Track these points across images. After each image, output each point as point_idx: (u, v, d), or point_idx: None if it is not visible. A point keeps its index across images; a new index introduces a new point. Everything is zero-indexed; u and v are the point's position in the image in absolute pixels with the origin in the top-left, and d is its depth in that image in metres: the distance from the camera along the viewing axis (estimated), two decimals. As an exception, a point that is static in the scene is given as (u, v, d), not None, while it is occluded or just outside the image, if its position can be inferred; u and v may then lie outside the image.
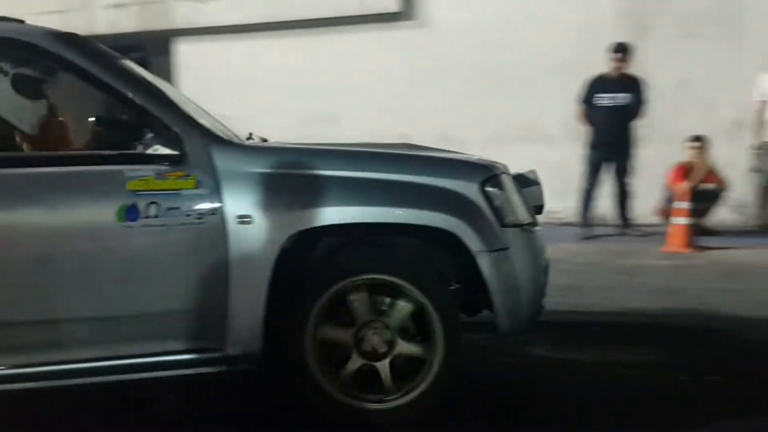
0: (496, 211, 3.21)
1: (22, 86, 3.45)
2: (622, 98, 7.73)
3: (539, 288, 3.37)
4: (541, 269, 3.38)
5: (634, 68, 7.90)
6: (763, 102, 7.65)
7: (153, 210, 3.00)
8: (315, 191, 3.12)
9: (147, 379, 3.11)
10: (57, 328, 3.01)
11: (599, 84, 7.79)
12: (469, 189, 3.21)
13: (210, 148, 3.11)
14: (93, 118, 3.10)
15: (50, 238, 2.99)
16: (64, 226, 3.00)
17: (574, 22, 8.97)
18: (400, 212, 3.16)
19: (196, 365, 3.14)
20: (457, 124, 9.25)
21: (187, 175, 3.06)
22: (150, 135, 3.08)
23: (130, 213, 2.99)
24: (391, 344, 3.17)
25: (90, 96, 3.31)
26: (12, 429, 3.30)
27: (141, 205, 2.99)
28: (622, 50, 7.78)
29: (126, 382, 3.11)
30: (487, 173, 3.30)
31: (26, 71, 3.49)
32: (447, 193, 3.20)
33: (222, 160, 3.10)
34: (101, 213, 2.99)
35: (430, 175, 3.25)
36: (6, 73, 3.40)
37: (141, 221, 2.99)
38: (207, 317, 3.09)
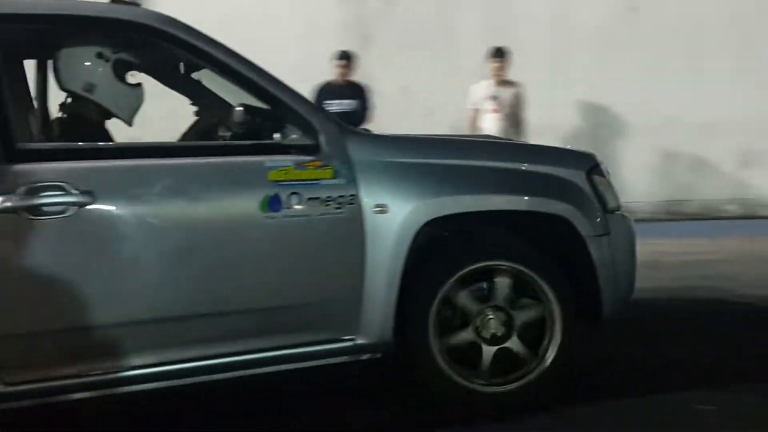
0: (600, 197, 3.39)
1: (123, 72, 3.23)
2: (348, 104, 7.88)
3: (633, 271, 3.51)
4: (635, 253, 3.51)
5: (359, 75, 8.07)
6: (476, 110, 8.13)
7: (294, 200, 2.97)
8: (446, 180, 3.20)
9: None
10: (198, 324, 2.92)
11: (326, 91, 7.90)
12: (578, 177, 3.38)
13: (344, 138, 3.11)
14: (239, 107, 2.96)
15: (194, 231, 2.89)
16: (207, 218, 2.91)
17: (302, 29, 8.99)
18: (527, 200, 3.30)
19: (328, 356, 3.15)
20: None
21: (325, 165, 3.04)
22: (285, 125, 3.04)
23: (273, 204, 2.94)
24: (509, 329, 3.24)
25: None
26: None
27: (283, 195, 2.95)
28: (345, 57, 7.97)
29: (258, 376, 3.07)
30: (592, 162, 3.52)
31: (128, 57, 3.24)
32: (561, 181, 3.35)
33: (355, 150, 3.10)
34: (245, 204, 2.93)
35: (544, 164, 3.41)
36: (108, 59, 3.16)
37: (283, 212, 2.95)
38: (343, 307, 3.10)
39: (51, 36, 3.15)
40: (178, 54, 3.23)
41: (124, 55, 3.19)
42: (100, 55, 3.14)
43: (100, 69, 3.14)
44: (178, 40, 3.00)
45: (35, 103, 3.63)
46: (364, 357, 3.21)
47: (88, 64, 3.14)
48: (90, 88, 3.15)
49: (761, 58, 9.42)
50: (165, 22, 2.99)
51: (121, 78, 3.19)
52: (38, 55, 3.52)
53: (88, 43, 3.14)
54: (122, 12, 3.05)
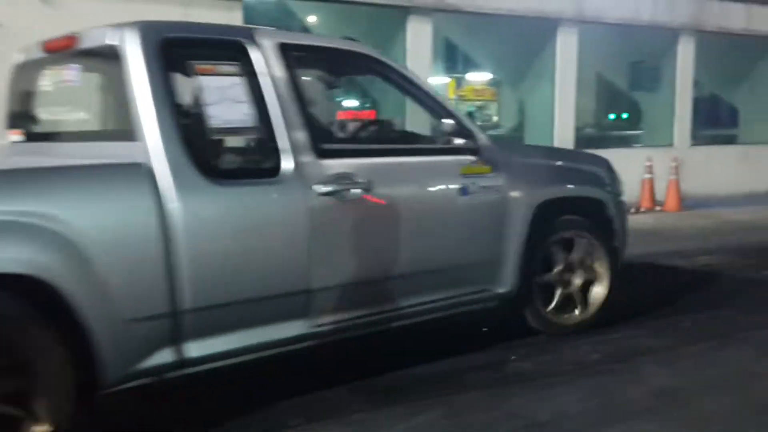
0: (614, 186, 5.14)
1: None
2: None
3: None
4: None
5: None
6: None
7: (473, 187, 4.33)
8: (553, 176, 4.89)
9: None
10: (390, 283, 4.08)
11: None
12: (605, 173, 5.14)
13: (492, 144, 4.51)
14: (448, 120, 4.31)
15: (413, 208, 4.12)
16: (425, 198, 4.24)
17: None
18: (590, 189, 5.01)
19: (478, 302, 4.54)
20: None
21: (485, 163, 4.41)
22: (455, 134, 4.32)
23: (464, 191, 4.31)
24: (589, 277, 4.90)
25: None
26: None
27: (468, 184, 4.31)
28: None
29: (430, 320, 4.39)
30: (607, 162, 5.26)
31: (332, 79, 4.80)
32: (597, 176, 5.10)
33: (499, 153, 4.52)
34: (450, 190, 4.30)
35: (588, 164, 5.22)
36: (332, 85, 4.65)
37: (469, 196, 4.32)
38: (491, 265, 4.47)
39: (322, 61, 4.47)
40: (386, 77, 4.41)
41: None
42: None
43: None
44: (385, 67, 4.36)
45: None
46: (499, 303, 4.61)
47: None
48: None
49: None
50: (380, 54, 4.41)
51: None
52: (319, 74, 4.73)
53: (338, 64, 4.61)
54: (356, 46, 4.47)
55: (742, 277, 6.64)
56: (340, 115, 10.99)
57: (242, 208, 3.52)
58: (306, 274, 3.70)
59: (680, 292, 6.09)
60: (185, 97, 3.51)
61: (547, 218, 4.65)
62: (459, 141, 4.35)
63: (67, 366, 2.97)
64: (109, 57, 3.52)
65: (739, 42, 13.58)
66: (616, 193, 5.14)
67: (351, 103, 13.22)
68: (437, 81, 12.80)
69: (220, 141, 3.69)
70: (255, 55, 3.72)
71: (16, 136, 4.30)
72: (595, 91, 15.02)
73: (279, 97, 3.71)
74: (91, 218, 3.09)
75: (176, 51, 3.52)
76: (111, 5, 8.61)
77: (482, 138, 4.46)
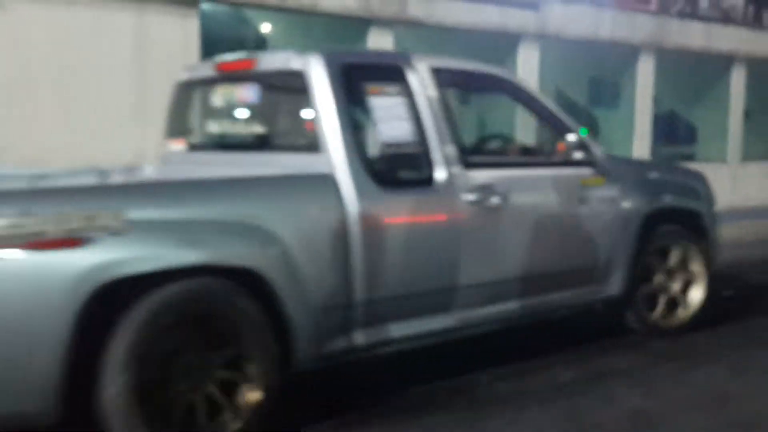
0: (709, 198, 5.57)
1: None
2: None
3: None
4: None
5: None
6: None
7: (591, 197, 4.73)
8: (659, 189, 5.26)
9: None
10: (522, 282, 4.46)
11: None
12: (701, 186, 5.57)
13: (604, 157, 4.88)
14: (573, 136, 4.73)
15: (540, 216, 4.51)
16: (550, 207, 4.61)
17: None
18: (689, 201, 5.43)
19: (591, 302, 4.95)
20: None
21: (601, 175, 4.80)
22: (575, 148, 4.72)
23: (582, 200, 4.71)
24: (688, 282, 5.30)
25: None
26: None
27: (586, 194, 4.70)
28: None
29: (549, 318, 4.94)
30: (703, 176, 5.69)
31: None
32: (696, 191, 5.53)
33: (611, 166, 4.89)
34: (569, 201, 4.66)
35: (689, 179, 5.65)
36: (465, 102, 5.28)
37: (587, 206, 4.71)
38: (603, 269, 4.83)
39: (465, 82, 5.06)
40: (516, 96, 4.93)
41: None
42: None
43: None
44: (517, 88, 4.90)
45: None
46: (607, 302, 4.97)
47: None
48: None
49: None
50: (513, 76, 5.24)
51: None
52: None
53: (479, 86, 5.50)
54: (494, 69, 4.83)
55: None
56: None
57: (404, 213, 3.98)
58: (455, 272, 4.15)
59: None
60: (360, 115, 4.00)
61: (653, 227, 5.06)
62: (578, 154, 4.73)
63: (272, 343, 3.48)
64: (292, 79, 4.00)
65: (698, 60, 13.72)
66: (710, 205, 5.56)
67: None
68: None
69: (387, 153, 4.06)
70: (412, 78, 4.19)
71: (178, 145, 4.85)
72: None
73: (433, 115, 4.17)
74: (291, 220, 3.61)
75: (352, 75, 3.99)
76: (63, 11, 8.35)
77: (598, 152, 4.84)
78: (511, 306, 4.46)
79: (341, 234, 3.71)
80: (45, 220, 2.99)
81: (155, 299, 3.20)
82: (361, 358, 3.96)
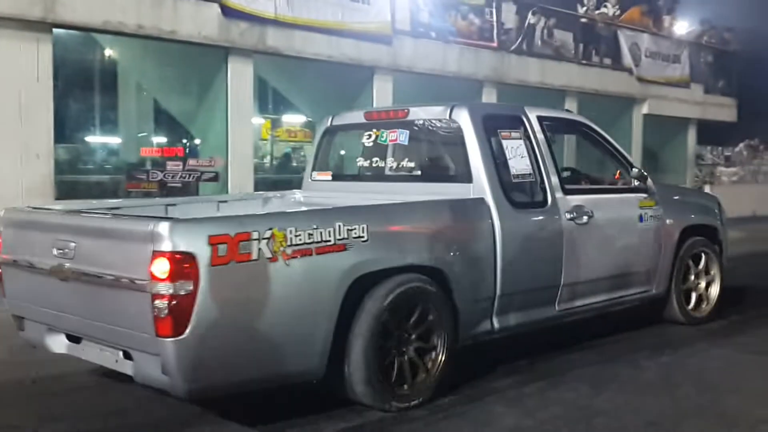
0: (721, 216, 7.00)
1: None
2: None
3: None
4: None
5: None
6: None
7: (645, 216, 6.10)
8: (689, 209, 6.80)
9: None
10: (600, 282, 5.76)
11: None
12: (716, 206, 7.07)
13: (654, 184, 6.27)
14: (636, 169, 6.14)
15: (614, 230, 5.86)
16: (620, 223, 5.96)
17: None
18: (710, 219, 6.87)
19: (642, 300, 6.28)
20: None
21: (651, 199, 6.17)
22: (635, 178, 6.11)
23: (641, 218, 6.08)
24: (709, 282, 6.73)
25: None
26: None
27: (642, 214, 6.09)
28: None
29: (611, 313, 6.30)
30: (717, 198, 7.30)
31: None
32: (712, 209, 7.02)
33: (658, 191, 6.27)
34: (633, 218, 6.04)
35: (707, 200, 7.30)
36: (554, 141, 5.73)
37: (643, 223, 6.09)
38: (651, 272, 6.18)
39: (556, 126, 6.08)
40: (592, 137, 6.23)
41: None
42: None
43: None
44: (594, 131, 6.16)
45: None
46: (656, 298, 6.34)
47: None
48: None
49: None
50: (591, 122, 6.23)
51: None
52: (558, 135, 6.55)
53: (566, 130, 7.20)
54: (575, 116, 6.67)
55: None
56: (150, 151, 10.77)
57: (528, 227, 5.25)
58: (559, 273, 5.38)
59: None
60: (496, 154, 5.21)
61: (686, 239, 6.41)
62: (636, 182, 6.08)
63: (451, 319, 4.70)
64: (446, 127, 5.32)
65: (535, 93, 14.69)
66: (723, 222, 6.96)
67: (163, 139, 12.79)
68: (254, 121, 12.68)
69: (516, 182, 5.27)
70: (527, 125, 5.44)
71: (323, 176, 6.18)
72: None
73: (542, 153, 5.42)
74: (460, 232, 4.90)
75: (489, 123, 5.25)
76: None
77: (650, 180, 6.16)
78: (594, 300, 5.74)
79: (490, 242, 4.94)
80: (327, 232, 4.07)
81: (386, 287, 4.35)
82: (492, 339, 5.16)
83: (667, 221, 6.26)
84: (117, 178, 10.68)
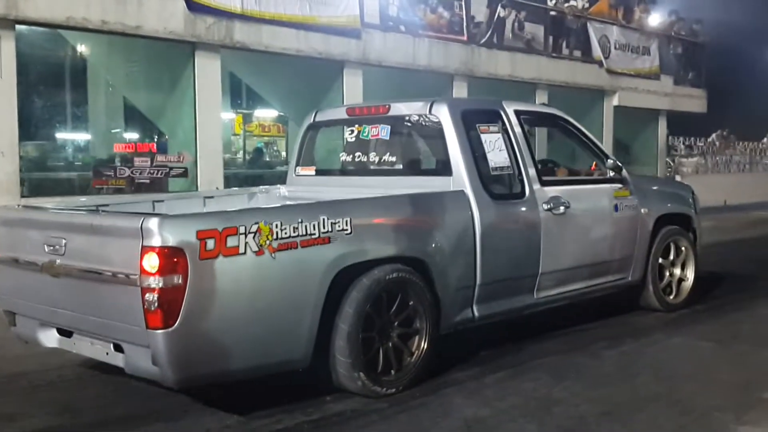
0: (695, 205, 7.19)
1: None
2: None
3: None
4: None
5: None
6: None
7: (620, 206, 6.23)
8: (664, 198, 6.93)
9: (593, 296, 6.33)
10: (577, 270, 5.92)
11: None
12: (689, 195, 7.25)
13: (629, 175, 6.39)
14: (611, 160, 6.27)
15: (590, 220, 6.04)
16: (596, 213, 6.12)
17: None
18: (684, 208, 7.06)
19: (618, 287, 6.44)
20: None
21: (626, 189, 6.30)
22: (611, 169, 6.23)
23: (616, 208, 6.20)
24: (683, 269, 6.89)
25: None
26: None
27: (618, 203, 6.22)
28: None
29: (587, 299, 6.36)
30: (691, 188, 7.48)
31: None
32: (686, 198, 7.21)
33: (633, 182, 6.40)
34: (608, 207, 6.17)
35: (681, 190, 7.48)
36: (532, 134, 6.15)
37: (618, 213, 6.22)
38: (628, 260, 6.35)
39: (533, 119, 6.43)
40: (568, 130, 6.39)
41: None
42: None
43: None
44: (569, 123, 6.34)
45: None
46: (632, 285, 6.50)
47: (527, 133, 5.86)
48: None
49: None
50: (567, 115, 6.38)
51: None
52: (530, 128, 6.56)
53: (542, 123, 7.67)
54: (552, 109, 6.51)
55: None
56: (118, 147, 10.74)
57: (507, 217, 5.40)
58: (537, 262, 5.51)
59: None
60: (475, 147, 5.34)
61: (660, 228, 6.58)
62: (612, 173, 6.21)
63: (432, 308, 4.83)
64: (426, 122, 5.49)
65: (505, 85, 14.77)
66: (697, 211, 7.17)
67: (131, 135, 12.73)
68: (224, 116, 12.65)
69: (495, 175, 5.41)
70: (505, 119, 5.58)
71: (307, 171, 6.28)
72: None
73: (520, 146, 5.55)
74: (441, 223, 5.00)
75: (468, 117, 5.42)
76: None
77: (625, 171, 6.31)
78: (571, 288, 5.91)
79: (470, 233, 5.08)
80: (311, 225, 4.20)
81: (369, 277, 4.49)
82: (470, 327, 5.27)
83: (642, 210, 6.42)
84: (84, 175, 10.61)
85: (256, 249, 3.97)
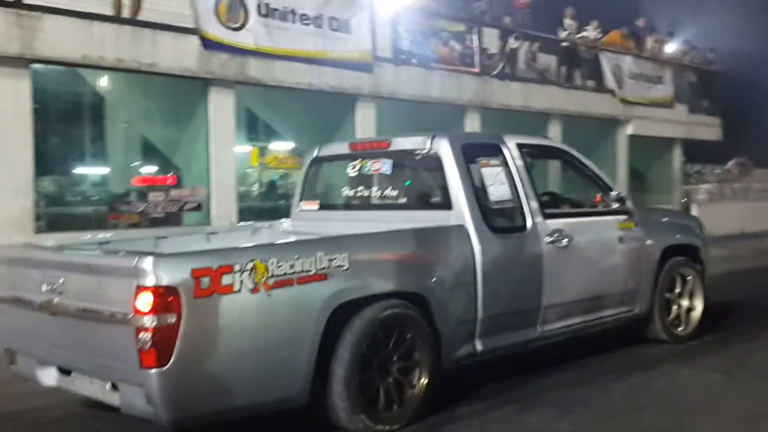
0: (702, 234, 7.21)
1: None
2: None
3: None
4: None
5: None
6: None
7: (626, 237, 6.24)
8: (670, 229, 6.97)
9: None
10: (582, 303, 5.90)
11: None
12: (697, 226, 7.32)
13: (634, 207, 6.42)
14: (615, 192, 6.33)
15: (594, 252, 6.04)
16: (600, 245, 6.14)
17: None
18: (691, 239, 7.04)
19: (624, 320, 6.35)
20: None
21: (631, 221, 6.32)
22: (615, 201, 6.25)
23: (621, 240, 6.22)
24: (691, 300, 6.84)
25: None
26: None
27: (623, 235, 6.22)
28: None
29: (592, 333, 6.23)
30: (698, 219, 7.65)
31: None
32: (693, 229, 7.27)
33: (638, 214, 6.41)
34: (613, 239, 6.20)
35: (688, 221, 7.67)
36: (534, 166, 5.94)
37: (623, 245, 6.24)
38: (634, 293, 6.31)
39: (535, 152, 6.15)
40: (571, 162, 6.44)
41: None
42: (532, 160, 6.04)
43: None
44: (572, 156, 6.37)
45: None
46: (638, 318, 6.44)
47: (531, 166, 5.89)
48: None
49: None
50: (570, 147, 6.47)
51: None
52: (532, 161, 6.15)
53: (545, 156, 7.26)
54: (554, 142, 7.31)
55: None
56: (136, 181, 10.87)
57: (509, 251, 5.37)
58: (540, 295, 5.49)
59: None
60: (476, 181, 5.40)
61: (667, 259, 6.54)
62: (616, 205, 6.21)
63: (432, 342, 4.80)
64: (426, 157, 5.47)
65: (518, 116, 14.81)
66: (705, 242, 7.13)
67: (147, 170, 12.88)
68: (240, 150, 12.77)
69: (496, 208, 5.42)
70: (506, 152, 5.62)
71: (310, 206, 6.33)
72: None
73: (521, 179, 5.57)
74: (441, 257, 5.01)
75: (469, 151, 5.45)
76: None
77: (629, 203, 6.33)
78: (576, 321, 5.85)
79: (470, 267, 5.08)
80: (308, 262, 4.19)
81: (366, 314, 4.46)
82: (473, 362, 5.24)
83: (648, 242, 6.39)
84: (100, 210, 10.73)
85: (252, 286, 3.97)
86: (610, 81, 16.83)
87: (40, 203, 9.59)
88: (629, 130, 17.38)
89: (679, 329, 6.74)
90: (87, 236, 6.66)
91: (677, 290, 6.74)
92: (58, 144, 11.58)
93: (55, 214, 10.41)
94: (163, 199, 10.37)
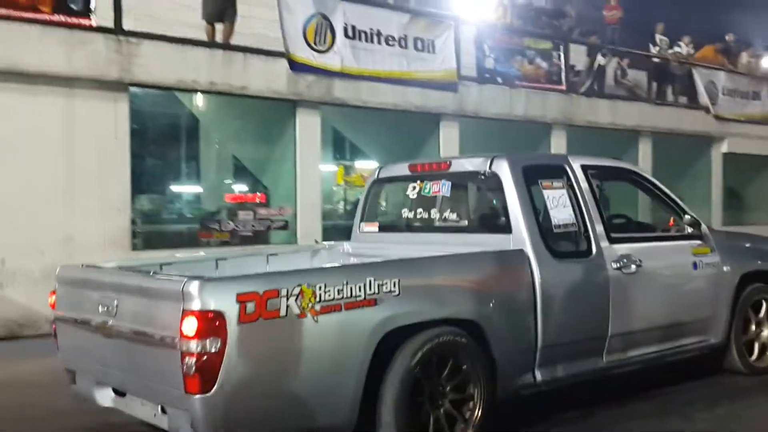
0: None
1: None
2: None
3: None
4: None
5: None
6: None
7: (700, 264, 5.98)
8: (750, 255, 6.58)
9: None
10: (652, 332, 5.65)
11: None
12: None
13: (709, 231, 6.17)
14: (688, 216, 6.04)
15: (665, 279, 5.78)
16: (672, 271, 5.89)
17: None
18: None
19: (699, 350, 6.07)
20: None
21: (706, 246, 6.06)
22: (688, 225, 6.01)
23: (695, 266, 5.95)
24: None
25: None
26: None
27: (697, 261, 5.96)
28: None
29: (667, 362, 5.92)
30: None
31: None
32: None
33: (715, 238, 6.15)
34: (687, 265, 5.94)
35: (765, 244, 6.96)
36: (601, 189, 5.88)
37: (697, 271, 5.97)
38: (709, 321, 6.04)
39: (603, 174, 5.96)
40: (641, 184, 6.28)
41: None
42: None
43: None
44: (642, 177, 6.24)
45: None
46: (716, 348, 6.17)
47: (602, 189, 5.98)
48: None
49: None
50: (639, 169, 6.50)
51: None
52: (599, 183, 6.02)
53: (613, 177, 6.48)
54: (623, 163, 6.58)
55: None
56: (225, 200, 11.24)
57: (571, 277, 5.17)
58: (605, 323, 5.27)
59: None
60: (537, 204, 5.23)
61: (745, 286, 6.27)
62: (690, 229, 5.99)
63: (487, 372, 4.63)
64: (485, 178, 5.35)
65: (606, 134, 14.56)
66: None
67: (237, 189, 13.28)
68: (326, 168, 13.02)
69: (558, 233, 5.25)
70: (571, 174, 5.44)
71: (371, 227, 6.31)
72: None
73: (586, 202, 5.39)
74: (497, 283, 4.83)
75: (530, 173, 5.25)
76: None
77: (704, 227, 6.09)
78: (645, 351, 5.62)
79: (530, 293, 4.89)
80: (357, 287, 4.12)
81: (417, 341, 4.33)
82: (535, 392, 5.02)
83: (725, 268, 6.09)
84: (193, 228, 11.14)
85: (298, 312, 3.91)
86: (703, 97, 16.36)
87: (136, 221, 10.02)
88: (724, 147, 16.82)
89: (758, 361, 6.39)
90: (175, 254, 6.90)
91: (756, 319, 6.41)
92: (153, 164, 12.07)
93: (149, 232, 10.85)
94: (251, 218, 10.68)
